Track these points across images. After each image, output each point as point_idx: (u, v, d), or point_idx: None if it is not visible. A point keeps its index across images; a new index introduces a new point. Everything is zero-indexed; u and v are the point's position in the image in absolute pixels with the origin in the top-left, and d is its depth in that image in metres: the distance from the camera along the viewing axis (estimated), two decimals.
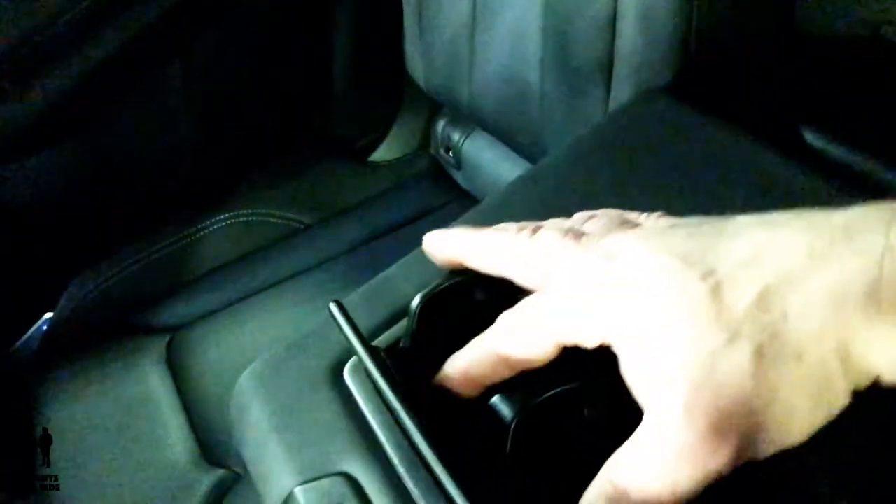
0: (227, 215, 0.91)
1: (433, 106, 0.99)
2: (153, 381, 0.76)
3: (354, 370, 0.38)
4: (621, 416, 0.32)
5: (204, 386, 0.75)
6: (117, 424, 0.73)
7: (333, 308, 0.33)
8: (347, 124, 1.03)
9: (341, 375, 0.38)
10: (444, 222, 0.45)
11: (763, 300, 0.23)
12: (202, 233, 0.90)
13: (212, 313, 0.83)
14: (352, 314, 0.34)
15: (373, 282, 0.43)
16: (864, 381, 0.23)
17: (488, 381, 0.32)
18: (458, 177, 0.96)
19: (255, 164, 0.98)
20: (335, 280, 0.85)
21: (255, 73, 0.97)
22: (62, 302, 0.92)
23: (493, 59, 0.72)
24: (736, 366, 0.23)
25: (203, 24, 0.90)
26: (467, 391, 0.33)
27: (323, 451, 0.35)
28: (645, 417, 0.26)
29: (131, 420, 0.73)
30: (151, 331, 0.82)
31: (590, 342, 0.28)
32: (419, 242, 0.44)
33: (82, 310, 0.88)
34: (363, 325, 0.36)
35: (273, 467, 0.36)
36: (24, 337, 1.05)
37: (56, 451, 0.73)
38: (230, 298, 0.84)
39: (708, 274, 0.24)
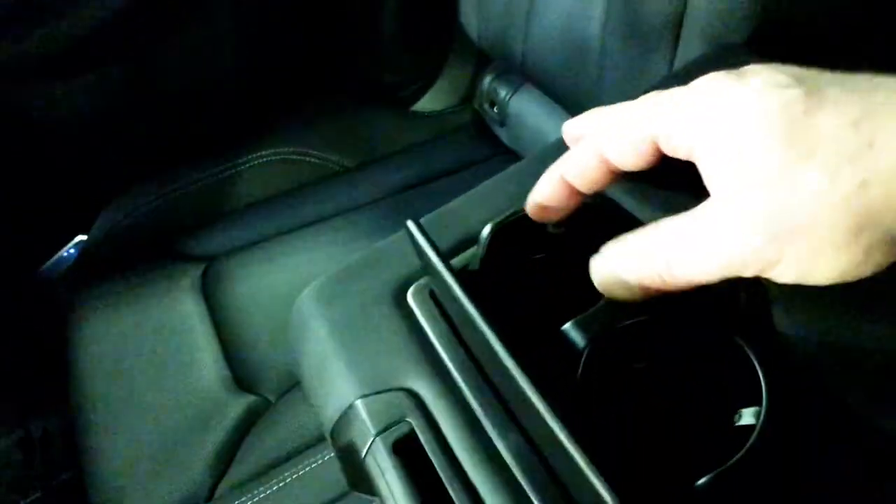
0: (268, 152, 0.91)
1: (480, 59, 0.99)
2: (187, 307, 0.77)
3: (419, 292, 0.38)
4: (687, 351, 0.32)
5: (237, 315, 0.75)
6: (150, 347, 0.74)
7: (411, 225, 0.33)
8: (393, 72, 1.02)
9: (404, 296, 0.39)
10: (485, 176, 0.45)
11: (855, 124, 0.24)
12: (242, 167, 0.90)
13: (248, 246, 0.83)
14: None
15: (439, 211, 0.43)
16: None
17: (588, 185, 0.33)
18: (502, 133, 0.96)
19: (299, 102, 0.98)
20: (371, 223, 0.85)
21: (303, 12, 0.96)
22: (97, 224, 0.92)
23: (553, 11, 0.71)
24: (811, 182, 0.25)
25: None
26: (564, 200, 0.34)
27: (386, 367, 0.36)
28: (710, 205, 0.28)
29: (164, 344, 0.74)
30: (187, 258, 0.83)
31: (681, 145, 0.29)
32: (459, 194, 0.44)
33: (117, 233, 0.89)
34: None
35: (334, 380, 0.37)
36: (54, 258, 1.07)
37: (89, 369, 0.74)
38: (267, 233, 0.84)
39: (812, 92, 0.26)
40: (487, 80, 0.95)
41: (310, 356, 0.39)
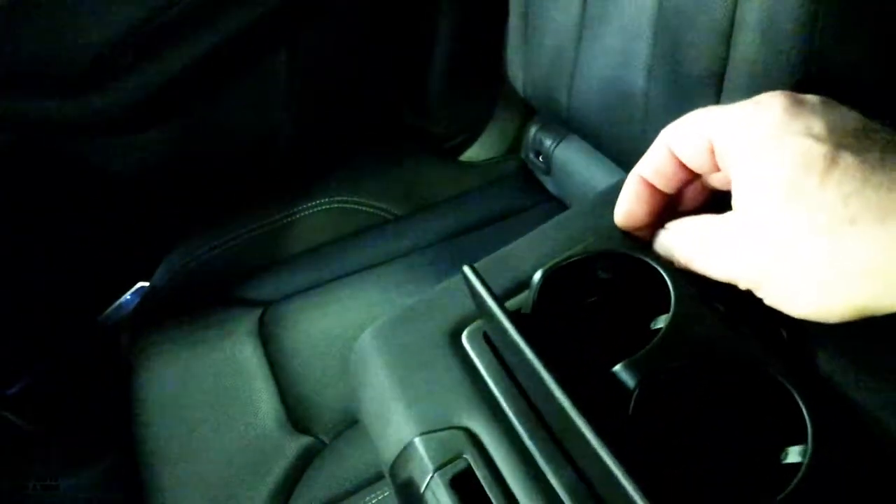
0: (321, 201, 0.95)
1: (526, 110, 1.01)
2: (245, 351, 0.79)
3: (473, 335, 0.40)
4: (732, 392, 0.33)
5: (293, 358, 0.78)
6: (209, 389, 0.76)
7: (468, 271, 0.35)
8: (441, 123, 1.05)
9: (459, 339, 0.40)
10: (532, 223, 0.47)
11: (846, 199, 0.28)
12: (297, 215, 0.94)
13: (303, 291, 0.86)
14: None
15: (492, 256, 0.45)
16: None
17: (665, 182, 0.36)
18: (548, 182, 0.98)
19: (351, 153, 1.02)
20: (421, 269, 0.87)
21: (355, 66, 1.01)
22: (159, 271, 0.96)
23: (598, 64, 0.74)
24: (801, 233, 0.29)
25: (310, 16, 0.94)
26: (647, 201, 0.37)
27: (443, 406, 0.38)
28: (728, 217, 0.32)
29: (223, 386, 0.76)
30: (245, 303, 0.86)
31: (724, 153, 0.32)
32: (506, 240, 0.46)
33: (178, 280, 0.92)
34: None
35: (393, 418, 0.39)
36: (114, 304, 1.11)
37: (149, 412, 0.77)
38: (321, 279, 0.87)
39: (831, 155, 0.29)
40: (533, 130, 0.98)
41: (370, 395, 0.41)
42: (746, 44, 0.54)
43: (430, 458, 0.35)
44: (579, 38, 0.75)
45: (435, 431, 0.37)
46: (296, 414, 0.72)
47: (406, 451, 0.37)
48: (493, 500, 0.33)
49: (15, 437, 0.93)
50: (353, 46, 0.99)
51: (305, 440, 0.69)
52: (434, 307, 0.43)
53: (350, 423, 0.70)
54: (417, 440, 0.37)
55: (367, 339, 0.43)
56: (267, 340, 0.81)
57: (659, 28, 0.63)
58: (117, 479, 0.86)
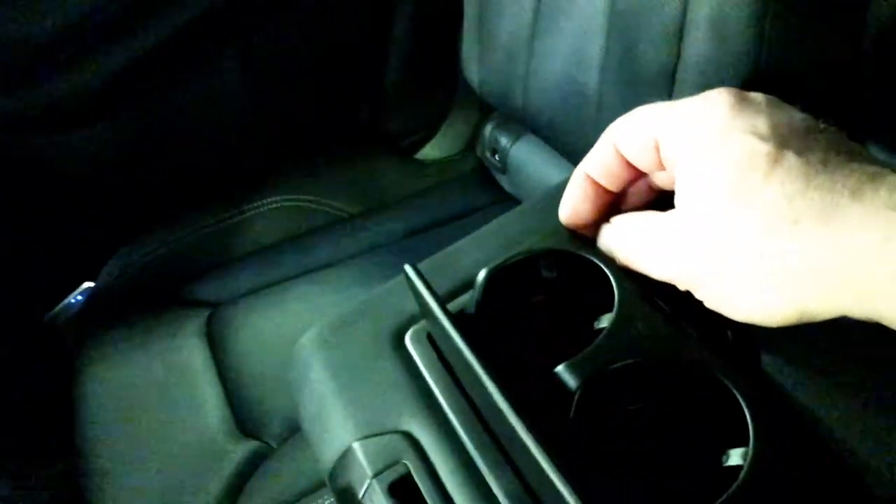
0: (274, 199, 0.93)
1: (482, 108, 1.01)
2: (192, 353, 0.77)
3: (416, 336, 0.39)
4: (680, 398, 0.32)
5: (241, 361, 0.76)
6: (155, 393, 0.74)
7: (409, 271, 0.34)
8: (397, 121, 1.04)
9: (402, 341, 0.39)
10: (487, 222, 0.46)
11: (790, 199, 0.27)
12: (247, 214, 0.92)
13: (252, 292, 0.84)
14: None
15: (437, 256, 0.44)
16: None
17: (611, 180, 0.36)
18: (503, 180, 0.97)
19: (303, 151, 1.00)
20: (376, 269, 0.86)
21: (310, 62, 0.99)
22: (105, 271, 0.93)
23: (552, 62, 0.73)
24: (742, 234, 0.28)
25: (264, 13, 0.92)
26: (592, 200, 0.36)
27: (383, 410, 0.36)
28: (667, 217, 0.32)
29: (168, 388, 0.74)
30: (193, 304, 0.84)
31: (669, 154, 0.31)
32: (460, 239, 0.45)
33: (125, 280, 0.90)
34: None
35: (333, 423, 0.37)
36: (61, 305, 1.08)
37: (94, 414, 0.74)
38: (271, 279, 0.85)
39: (775, 155, 0.28)
40: (489, 128, 0.97)
41: (309, 399, 0.40)
42: (697, 43, 0.54)
43: (369, 463, 0.34)
44: (533, 36, 0.74)
45: (374, 436, 0.36)
46: (243, 418, 0.70)
47: (345, 456, 0.36)
48: None
49: None
50: (307, 43, 0.97)
51: (252, 444, 0.67)
52: (376, 308, 0.42)
53: (298, 427, 0.69)
54: (356, 445, 0.35)
55: (306, 343, 0.42)
56: (214, 342, 0.78)
57: (612, 27, 0.63)
58: (62, 483, 0.83)
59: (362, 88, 1.02)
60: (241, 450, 0.67)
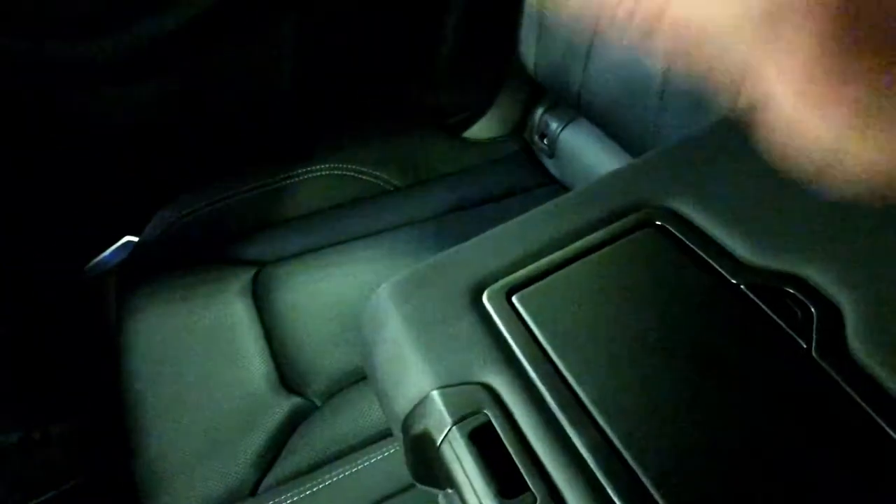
0: (321, 166, 0.94)
1: (532, 92, 1.01)
2: (237, 310, 0.78)
3: (494, 295, 0.40)
4: None
5: (286, 320, 0.77)
6: (200, 347, 0.75)
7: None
8: (446, 98, 1.05)
9: (480, 299, 0.40)
10: (531, 203, 0.47)
11: None
12: (295, 179, 0.93)
13: (298, 255, 0.85)
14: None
15: (485, 234, 0.45)
16: None
17: None
18: (550, 165, 0.98)
19: (354, 121, 1.01)
20: (417, 242, 0.86)
21: (364, 35, 0.99)
22: (151, 225, 0.95)
23: (615, 49, 0.73)
24: None
25: None
26: None
27: (462, 362, 0.37)
28: None
29: (213, 344, 0.75)
30: (239, 262, 0.85)
31: None
32: (503, 220, 0.46)
33: (169, 236, 0.91)
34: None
35: (410, 371, 0.38)
36: (100, 256, 1.09)
37: (137, 366, 0.75)
38: (317, 243, 0.87)
39: None
40: (539, 112, 0.97)
41: (385, 348, 0.41)
42: None
43: (449, 410, 0.35)
44: (597, 20, 0.74)
45: (454, 386, 0.36)
46: (287, 375, 0.71)
47: (423, 403, 0.37)
48: (513, 456, 0.33)
49: None
50: (364, 14, 0.98)
51: (296, 401, 0.69)
52: (453, 266, 0.43)
53: (341, 386, 0.70)
54: (436, 393, 0.36)
55: (383, 295, 0.43)
56: (260, 301, 0.80)
57: None
58: (101, 429, 0.84)
59: (415, 64, 1.03)
60: (285, 405, 0.68)
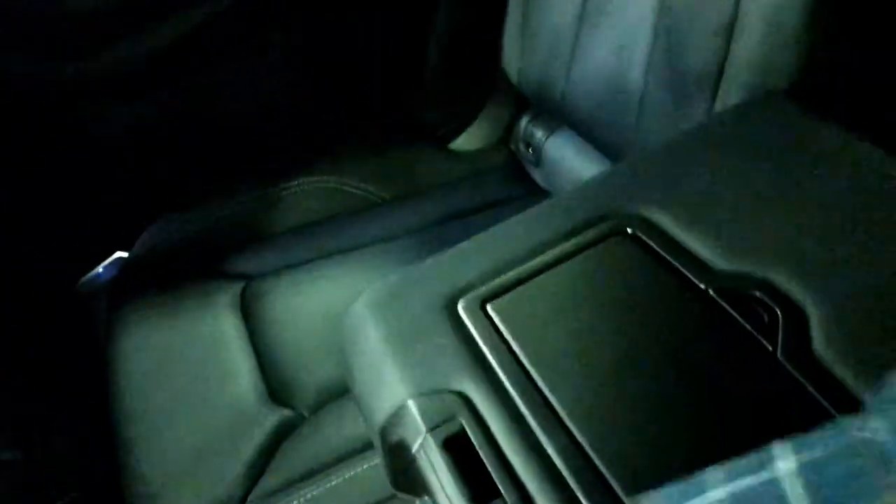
0: (308, 179, 0.95)
1: (518, 101, 1.02)
2: (225, 323, 0.79)
3: (469, 305, 0.41)
4: None
5: (273, 333, 0.77)
6: (188, 360, 0.76)
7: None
8: (434, 110, 1.05)
9: (455, 307, 0.41)
10: (515, 213, 0.48)
11: None
12: (283, 193, 0.94)
13: (286, 268, 0.86)
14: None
15: (471, 240, 0.46)
16: None
17: None
18: (536, 174, 0.99)
19: (341, 134, 1.02)
20: (405, 254, 0.87)
21: (352, 47, 1.00)
22: (141, 241, 0.95)
23: (596, 56, 0.74)
24: None
25: None
26: None
27: (437, 370, 0.38)
28: None
29: (202, 356, 0.76)
30: (227, 276, 0.86)
31: None
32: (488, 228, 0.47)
33: (159, 251, 0.92)
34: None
35: (386, 380, 0.39)
36: (92, 272, 1.09)
37: (129, 381, 0.76)
38: (305, 256, 0.87)
39: None
40: (524, 121, 0.98)
41: (363, 358, 0.42)
42: (747, 44, 0.55)
43: (424, 418, 0.36)
44: (579, 29, 0.75)
45: (429, 394, 0.37)
46: (275, 387, 0.72)
47: (399, 412, 0.37)
48: (486, 463, 0.33)
49: None
50: (351, 28, 0.99)
51: (284, 413, 0.69)
52: (429, 276, 0.43)
53: (330, 398, 0.70)
54: (411, 402, 0.37)
55: (360, 306, 0.43)
56: (248, 314, 0.80)
57: (660, 24, 0.64)
58: (90, 446, 0.85)
59: (402, 76, 1.04)
60: (273, 417, 0.68)
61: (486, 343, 0.38)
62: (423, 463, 0.35)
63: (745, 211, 0.41)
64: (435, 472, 0.34)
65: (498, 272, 0.43)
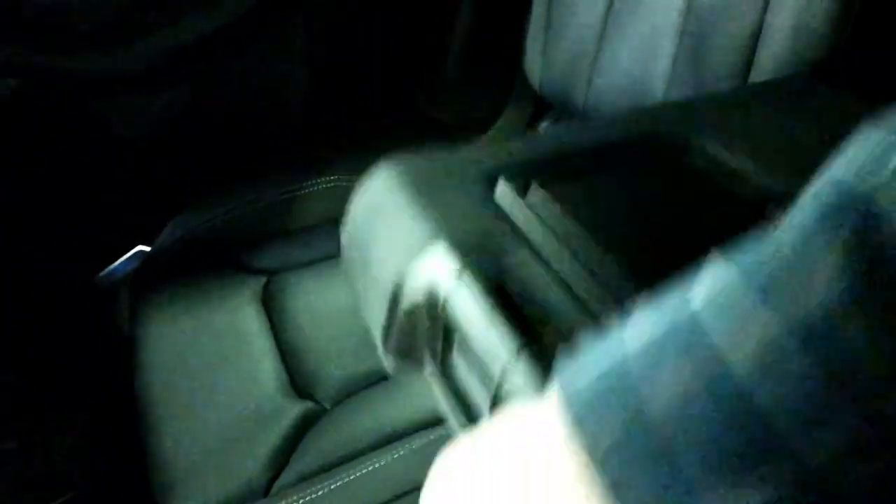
0: (329, 178, 0.96)
1: (538, 106, 1.03)
2: (248, 317, 0.80)
3: (507, 185, 0.41)
4: None
5: (295, 327, 0.78)
6: (212, 353, 0.77)
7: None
8: (452, 112, 1.07)
9: (494, 186, 0.42)
10: None
11: None
12: (305, 190, 0.95)
13: (307, 264, 0.87)
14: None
15: None
16: None
17: None
18: None
19: (360, 135, 1.03)
20: None
21: (372, 47, 1.02)
22: (163, 235, 0.96)
23: (620, 61, 0.75)
24: None
25: None
26: None
27: (472, 228, 0.38)
28: None
29: (225, 349, 0.77)
30: (249, 271, 0.87)
31: None
32: None
33: (182, 245, 0.93)
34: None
35: (416, 229, 0.39)
36: (112, 265, 1.10)
37: (153, 373, 0.77)
38: (325, 253, 0.88)
39: None
40: (544, 126, 0.99)
41: (386, 213, 0.43)
42: (773, 47, 0.56)
43: (459, 258, 0.36)
44: (603, 33, 0.76)
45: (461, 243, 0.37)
46: (297, 380, 0.73)
47: (430, 253, 0.37)
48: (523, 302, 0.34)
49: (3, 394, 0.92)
50: (371, 28, 1.00)
51: (306, 405, 0.70)
52: (466, 158, 0.45)
53: (352, 391, 0.71)
54: (442, 245, 0.37)
55: (387, 166, 0.45)
56: (270, 308, 0.81)
57: (686, 27, 0.65)
58: (110, 437, 0.85)
59: (421, 78, 1.05)
60: (296, 409, 0.69)
61: (525, 222, 0.38)
62: (458, 302, 0.34)
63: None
64: (474, 311, 0.33)
65: (540, 161, 0.44)
